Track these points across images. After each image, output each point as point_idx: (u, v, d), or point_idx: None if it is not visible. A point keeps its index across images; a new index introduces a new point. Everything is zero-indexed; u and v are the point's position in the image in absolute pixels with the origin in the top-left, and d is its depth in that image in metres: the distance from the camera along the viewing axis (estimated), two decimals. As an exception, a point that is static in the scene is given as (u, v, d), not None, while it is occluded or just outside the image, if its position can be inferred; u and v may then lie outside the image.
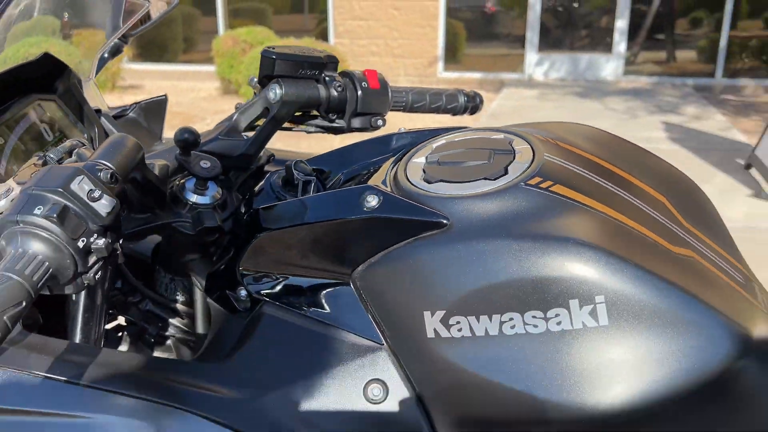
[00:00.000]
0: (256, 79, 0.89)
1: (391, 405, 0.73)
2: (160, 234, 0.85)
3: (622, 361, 0.64)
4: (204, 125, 5.65)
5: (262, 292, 0.81)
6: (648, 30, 7.97)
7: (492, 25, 8.44)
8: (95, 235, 0.64)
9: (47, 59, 0.96)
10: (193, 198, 0.80)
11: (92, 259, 0.65)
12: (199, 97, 7.10)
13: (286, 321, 0.78)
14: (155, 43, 8.60)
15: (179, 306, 0.96)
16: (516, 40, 8.18)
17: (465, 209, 0.70)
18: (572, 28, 8.18)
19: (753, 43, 7.68)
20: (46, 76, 0.98)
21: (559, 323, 0.64)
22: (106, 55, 1.33)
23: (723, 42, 7.63)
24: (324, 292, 0.78)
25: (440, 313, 0.67)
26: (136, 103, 1.25)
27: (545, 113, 6.33)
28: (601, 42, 8.05)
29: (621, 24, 7.86)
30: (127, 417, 0.69)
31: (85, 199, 0.63)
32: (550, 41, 8.09)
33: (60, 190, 0.62)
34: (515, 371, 0.66)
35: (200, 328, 0.94)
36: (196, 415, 0.70)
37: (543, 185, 0.71)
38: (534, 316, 0.65)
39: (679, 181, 0.87)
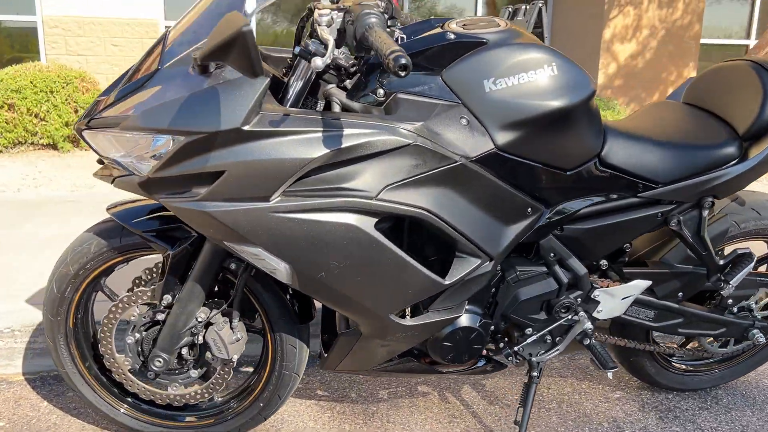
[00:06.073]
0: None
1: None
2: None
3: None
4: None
5: (394, 90, 1.40)
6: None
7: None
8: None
9: None
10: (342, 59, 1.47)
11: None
12: None
13: (416, 101, 1.39)
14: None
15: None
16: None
17: (494, 38, 1.43)
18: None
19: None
20: None
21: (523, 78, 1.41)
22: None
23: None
24: (427, 83, 1.41)
25: (492, 78, 1.39)
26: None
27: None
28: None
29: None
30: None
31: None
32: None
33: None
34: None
35: None
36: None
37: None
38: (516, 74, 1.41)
39: None
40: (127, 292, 1.74)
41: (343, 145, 1.29)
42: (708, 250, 1.76)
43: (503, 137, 1.43)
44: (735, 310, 1.93)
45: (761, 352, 2.14)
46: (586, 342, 1.79)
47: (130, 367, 1.68)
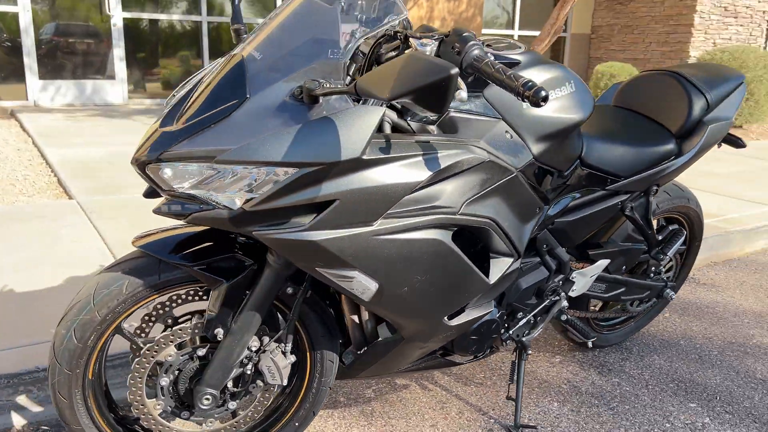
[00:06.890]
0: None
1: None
2: None
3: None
4: None
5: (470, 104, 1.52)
6: (145, 58, 8.60)
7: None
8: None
9: None
10: None
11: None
12: None
13: (469, 119, 1.49)
14: None
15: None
16: (15, 68, 7.90)
17: (525, 59, 1.59)
18: (73, 55, 8.23)
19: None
20: None
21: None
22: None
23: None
24: (473, 101, 1.51)
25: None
26: None
27: (75, 131, 6.17)
28: (103, 69, 8.37)
29: (119, 52, 8.33)
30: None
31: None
32: (51, 68, 8.08)
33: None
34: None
35: None
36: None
37: None
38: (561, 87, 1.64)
39: None
40: (159, 332, 1.61)
41: (442, 166, 1.36)
42: (652, 229, 2.12)
43: (537, 148, 1.60)
44: (652, 275, 2.35)
45: (656, 307, 2.62)
46: (564, 318, 2.06)
47: (161, 410, 1.56)
